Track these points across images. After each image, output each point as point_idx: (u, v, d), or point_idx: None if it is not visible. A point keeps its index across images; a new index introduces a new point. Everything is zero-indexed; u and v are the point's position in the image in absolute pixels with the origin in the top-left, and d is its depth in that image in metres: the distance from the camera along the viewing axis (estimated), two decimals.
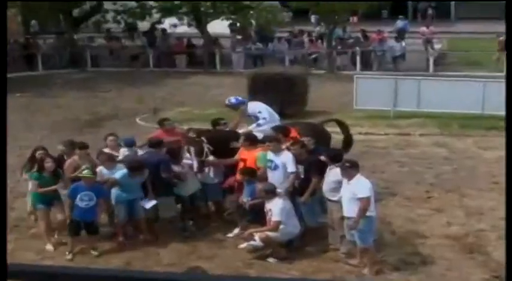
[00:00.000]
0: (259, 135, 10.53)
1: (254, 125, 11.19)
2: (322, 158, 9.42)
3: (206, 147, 10.22)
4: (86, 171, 9.44)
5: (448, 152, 15.34)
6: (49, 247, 9.67)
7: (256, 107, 11.54)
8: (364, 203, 8.50)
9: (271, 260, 9.25)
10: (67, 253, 9.42)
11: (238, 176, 10.06)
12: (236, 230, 9.99)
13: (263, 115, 11.26)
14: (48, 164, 9.67)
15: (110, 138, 10.80)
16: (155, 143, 10.37)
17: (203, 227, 10.47)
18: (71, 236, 9.46)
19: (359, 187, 8.63)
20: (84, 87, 25.64)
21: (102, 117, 20.06)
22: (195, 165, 10.20)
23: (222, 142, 10.49)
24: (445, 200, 11.82)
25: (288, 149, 9.88)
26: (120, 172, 9.74)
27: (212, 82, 26.39)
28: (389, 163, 14.40)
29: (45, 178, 9.66)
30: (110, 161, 10.06)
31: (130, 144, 10.89)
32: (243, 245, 9.54)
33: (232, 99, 11.66)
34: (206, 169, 10.43)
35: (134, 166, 9.67)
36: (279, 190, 9.45)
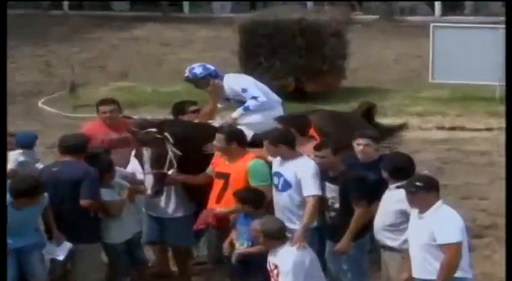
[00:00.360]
0: (248, 132, 10.68)
1: (239, 110, 11.21)
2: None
3: (171, 150, 10.26)
4: None
5: None
6: None
7: (238, 81, 11.54)
8: (451, 253, 8.43)
9: None
10: None
11: (214, 205, 10.11)
12: None
13: (251, 93, 11.24)
14: None
15: None
16: (72, 146, 10.33)
17: None
18: None
19: (440, 224, 8.58)
20: None
21: None
22: (149, 182, 10.22)
23: (194, 143, 10.50)
24: None
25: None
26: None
27: (175, 37, 26.42)
28: (494, 181, 14.34)
29: None
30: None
31: (28, 143, 10.95)
32: None
33: (197, 69, 11.65)
34: (164, 191, 10.48)
35: (22, 188, 9.58)
36: (292, 227, 9.46)
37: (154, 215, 10.63)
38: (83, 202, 9.81)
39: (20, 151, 10.83)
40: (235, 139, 10.17)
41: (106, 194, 10.04)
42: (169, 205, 10.58)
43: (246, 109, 11.11)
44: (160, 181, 10.23)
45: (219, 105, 11.73)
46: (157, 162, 10.18)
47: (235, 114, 11.19)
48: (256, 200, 9.68)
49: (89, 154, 10.21)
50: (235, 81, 11.56)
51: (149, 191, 10.22)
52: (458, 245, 8.54)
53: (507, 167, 8.75)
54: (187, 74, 11.61)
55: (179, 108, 11.62)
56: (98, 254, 10.23)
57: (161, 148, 10.21)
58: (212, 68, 11.70)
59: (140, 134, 10.41)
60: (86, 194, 9.83)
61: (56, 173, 10.01)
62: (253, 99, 11.18)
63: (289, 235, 9.35)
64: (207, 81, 11.51)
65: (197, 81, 11.58)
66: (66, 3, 30.70)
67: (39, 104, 19.44)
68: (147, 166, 10.21)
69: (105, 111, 11.25)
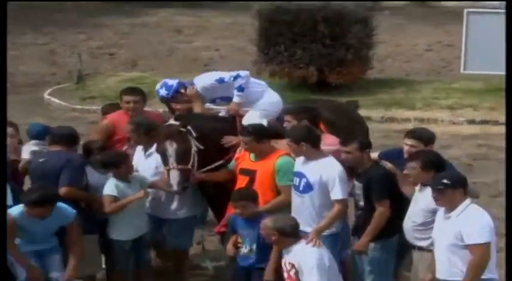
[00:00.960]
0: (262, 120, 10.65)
1: (235, 94, 10.98)
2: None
3: (194, 145, 10.41)
4: None
5: None
6: None
7: (208, 76, 11.46)
8: (480, 253, 8.54)
9: None
10: None
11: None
12: None
13: (232, 74, 11.15)
14: None
15: (7, 131, 10.82)
16: (59, 135, 10.48)
17: None
18: None
19: (468, 224, 8.68)
20: None
21: None
22: (175, 178, 10.36)
23: (212, 136, 10.53)
24: None
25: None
26: (15, 209, 9.86)
27: (189, 23, 26.42)
28: None
29: None
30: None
31: (40, 135, 11.08)
32: None
33: (160, 90, 11.16)
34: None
35: (38, 200, 9.79)
36: (308, 230, 9.48)
37: (155, 215, 10.55)
38: (60, 190, 9.88)
39: (33, 142, 10.97)
40: (264, 137, 10.11)
41: (117, 188, 10.11)
42: (172, 205, 10.55)
43: (240, 89, 11.04)
44: (188, 177, 10.28)
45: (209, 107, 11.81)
46: (183, 157, 10.12)
47: (235, 99, 11.19)
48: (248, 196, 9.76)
49: (103, 146, 10.50)
50: (206, 78, 11.37)
51: (175, 188, 10.14)
52: (486, 245, 8.64)
53: (507, 167, 8.77)
54: (158, 92, 11.35)
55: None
56: (89, 246, 10.18)
57: (186, 142, 10.18)
58: (175, 81, 11.60)
59: (163, 127, 10.47)
60: (63, 182, 9.89)
61: (42, 163, 10.21)
62: (238, 78, 11.20)
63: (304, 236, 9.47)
64: (181, 95, 11.62)
65: (171, 100, 11.38)
66: None
67: (45, 95, 19.55)
68: (172, 160, 10.18)
69: (128, 101, 11.17)
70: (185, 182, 10.16)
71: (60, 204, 9.63)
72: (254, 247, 9.65)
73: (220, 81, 11.16)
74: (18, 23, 26.57)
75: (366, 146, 9.76)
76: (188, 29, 25.65)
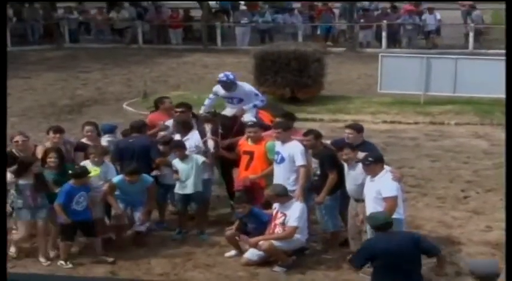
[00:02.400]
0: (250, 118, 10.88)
1: (251, 106, 11.26)
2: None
3: (220, 128, 10.51)
4: (93, 171, 9.56)
5: (489, 144, 15.35)
6: (43, 259, 9.60)
7: (251, 87, 11.74)
8: (390, 203, 8.53)
9: (278, 269, 9.27)
10: (63, 263, 9.47)
11: (244, 173, 10.20)
12: (232, 252, 9.85)
13: (261, 97, 11.52)
14: (51, 159, 9.64)
15: (87, 128, 10.63)
16: (139, 126, 10.61)
17: (200, 231, 10.53)
18: (66, 241, 9.50)
19: (384, 185, 8.66)
20: (62, 67, 25.74)
21: (82, 103, 20.15)
22: (211, 144, 10.30)
23: (225, 126, 10.70)
24: (485, 201, 11.83)
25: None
26: (118, 178, 9.84)
27: (212, 62, 26.43)
28: (419, 156, 14.45)
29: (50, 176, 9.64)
30: (104, 155, 10.08)
31: (111, 130, 11.03)
32: (245, 255, 9.55)
33: (230, 75, 11.51)
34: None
35: (131, 170, 9.81)
36: (291, 188, 9.49)
37: (183, 192, 10.32)
38: (156, 160, 10.28)
39: (107, 135, 10.85)
40: (257, 126, 10.36)
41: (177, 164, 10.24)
42: (197, 180, 10.29)
43: (255, 106, 11.26)
44: (217, 145, 10.38)
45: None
46: (215, 133, 10.38)
47: (245, 108, 11.22)
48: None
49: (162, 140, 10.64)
50: (249, 87, 11.71)
51: (212, 150, 10.33)
52: (395, 198, 8.71)
53: (507, 168, 8.67)
54: (223, 78, 11.45)
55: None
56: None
57: (216, 124, 10.44)
58: (233, 75, 11.57)
59: (203, 115, 10.79)
60: (155, 155, 10.27)
61: (132, 143, 10.41)
62: (262, 102, 11.35)
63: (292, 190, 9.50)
64: (235, 84, 11.49)
65: (230, 84, 11.44)
66: (140, 39, 30.68)
67: (124, 106, 19.44)
68: (209, 135, 10.35)
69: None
70: (217, 148, 10.27)
71: (144, 174, 9.82)
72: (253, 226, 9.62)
73: (256, 95, 11.50)
74: (107, 62, 26.55)
75: (319, 136, 9.71)
76: (211, 65, 25.63)
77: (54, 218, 9.58)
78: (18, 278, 2.61)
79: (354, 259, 8.16)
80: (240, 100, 11.37)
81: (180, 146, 10.24)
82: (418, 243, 7.59)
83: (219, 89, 11.61)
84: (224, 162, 10.93)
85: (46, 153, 9.77)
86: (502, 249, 9.62)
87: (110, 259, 9.55)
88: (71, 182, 9.39)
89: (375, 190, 8.68)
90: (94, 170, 9.64)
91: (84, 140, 10.60)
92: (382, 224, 7.68)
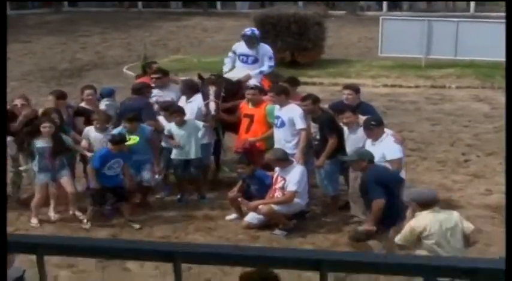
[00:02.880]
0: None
1: (257, 72, 11.02)
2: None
3: (222, 91, 10.30)
4: (132, 139, 9.48)
5: (490, 107, 15.29)
6: (34, 221, 9.67)
7: (270, 49, 11.45)
8: (397, 165, 8.54)
9: (278, 232, 9.27)
10: (85, 220, 9.50)
11: (244, 135, 10.13)
12: (233, 215, 9.84)
13: (272, 63, 11.24)
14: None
15: (87, 92, 10.55)
16: (139, 88, 10.51)
17: (201, 196, 10.52)
18: (95, 205, 9.52)
19: (388, 148, 8.61)
20: (61, 31, 25.59)
21: (82, 67, 20.07)
22: (213, 106, 10.16)
23: (228, 89, 10.48)
24: (485, 165, 11.81)
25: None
26: (117, 129, 9.76)
27: (212, 25, 26.30)
28: (420, 120, 14.40)
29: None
30: (107, 122, 9.99)
31: (110, 94, 10.94)
32: (245, 218, 9.54)
33: (256, 31, 11.39)
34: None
35: (130, 117, 9.73)
36: (292, 152, 9.43)
37: (182, 158, 10.26)
38: (148, 123, 10.07)
39: (106, 99, 10.72)
40: (261, 92, 10.26)
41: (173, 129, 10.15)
42: (196, 146, 10.26)
43: (261, 72, 11.07)
44: (218, 107, 10.20)
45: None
46: (217, 95, 10.19)
47: (252, 73, 10.99)
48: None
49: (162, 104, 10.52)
50: (269, 48, 11.43)
51: (213, 113, 10.16)
52: (400, 159, 8.72)
53: (507, 168, 8.61)
54: (248, 31, 11.29)
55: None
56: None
57: (220, 87, 10.24)
58: (256, 32, 11.41)
59: (209, 78, 10.43)
60: (148, 117, 10.15)
61: (130, 102, 10.40)
62: (269, 68, 11.19)
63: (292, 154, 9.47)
64: (258, 41, 11.31)
65: (253, 39, 11.23)
66: (140, 3, 30.49)
67: (124, 70, 19.36)
68: (212, 97, 10.17)
69: (153, 77, 10.91)
70: (218, 110, 10.14)
71: (141, 124, 9.77)
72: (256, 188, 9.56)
73: (270, 58, 11.21)
74: (106, 25, 26.38)
75: (317, 100, 9.66)
76: (211, 29, 25.51)
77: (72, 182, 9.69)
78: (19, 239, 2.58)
79: (375, 194, 8.15)
80: (255, 60, 11.14)
81: (180, 112, 10.10)
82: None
83: (238, 46, 11.40)
84: (226, 124, 10.86)
85: (45, 113, 9.73)
86: (502, 212, 9.64)
87: (137, 226, 9.54)
88: (109, 146, 9.38)
89: (378, 154, 8.61)
90: (133, 139, 9.53)
91: (83, 104, 10.52)
92: (370, 158, 8.12)
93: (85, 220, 9.46)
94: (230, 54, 11.53)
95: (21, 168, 9.85)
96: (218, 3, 29.88)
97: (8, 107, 9.96)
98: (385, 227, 8.09)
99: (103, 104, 10.63)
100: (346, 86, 10.09)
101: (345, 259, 2.23)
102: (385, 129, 8.94)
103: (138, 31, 25.25)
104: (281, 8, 20.08)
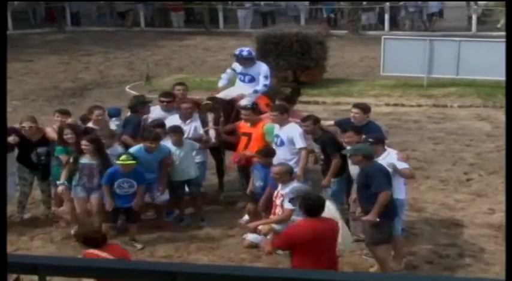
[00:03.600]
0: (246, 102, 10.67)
1: (252, 92, 11.07)
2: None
3: (220, 116, 10.42)
4: (123, 157, 9.35)
5: (491, 126, 15.32)
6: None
7: (267, 68, 11.40)
8: (409, 173, 8.75)
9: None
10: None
11: (246, 154, 10.15)
12: (246, 217, 9.98)
13: (267, 82, 11.24)
14: (68, 135, 9.65)
15: (97, 112, 10.39)
16: (133, 105, 10.57)
17: (203, 215, 10.52)
18: (108, 223, 9.54)
19: (393, 161, 8.59)
20: (63, 50, 25.70)
21: (85, 86, 20.13)
22: (213, 134, 10.25)
23: (226, 111, 10.62)
24: (487, 184, 11.82)
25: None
26: (135, 148, 9.75)
27: (214, 44, 26.38)
28: (422, 139, 14.42)
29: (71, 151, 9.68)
30: (112, 137, 10.00)
31: (117, 114, 10.96)
32: (247, 237, 9.54)
33: (246, 51, 11.39)
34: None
35: (154, 136, 9.72)
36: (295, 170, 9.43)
37: (180, 179, 10.21)
38: (123, 138, 10.14)
39: (115, 119, 10.77)
40: (255, 112, 10.33)
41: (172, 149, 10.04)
42: (191, 167, 10.23)
43: (256, 92, 11.07)
44: (219, 134, 10.31)
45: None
46: (217, 122, 10.29)
47: (246, 93, 11.03)
48: (271, 154, 9.66)
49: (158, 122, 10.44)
50: (265, 68, 11.34)
51: (213, 140, 10.25)
52: (409, 168, 8.92)
53: (507, 168, 8.66)
54: (238, 52, 11.28)
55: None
56: None
57: (218, 113, 10.35)
58: (250, 52, 11.44)
59: (206, 104, 10.51)
60: (126, 132, 10.28)
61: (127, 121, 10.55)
62: (264, 87, 11.20)
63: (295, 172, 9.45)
64: (253, 61, 11.35)
65: (244, 60, 11.26)
66: (142, 22, 30.62)
67: (126, 89, 19.38)
68: (211, 124, 10.24)
69: (179, 90, 11.12)
70: (218, 137, 10.23)
71: (161, 144, 9.73)
72: (261, 184, 9.57)
73: (265, 78, 11.14)
74: (110, 45, 26.50)
75: (317, 121, 9.67)
76: (213, 48, 25.60)
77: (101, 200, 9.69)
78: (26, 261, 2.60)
79: (383, 186, 8.15)
80: (252, 79, 11.22)
81: (178, 131, 10.04)
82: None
83: (237, 64, 11.52)
84: (226, 143, 10.89)
85: (60, 130, 9.80)
86: (504, 231, 9.64)
87: (139, 246, 9.55)
88: (117, 166, 9.40)
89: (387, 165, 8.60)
90: (124, 158, 9.35)
91: (90, 124, 10.42)
92: (366, 153, 8.27)
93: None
94: (228, 70, 11.64)
95: (58, 182, 9.84)
96: (220, 23, 29.97)
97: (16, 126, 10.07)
98: (388, 220, 8.15)
99: (113, 124, 10.65)
100: (355, 105, 10.02)
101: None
102: (389, 149, 8.91)
103: (140, 50, 25.37)
104: (283, 28, 20.11)
